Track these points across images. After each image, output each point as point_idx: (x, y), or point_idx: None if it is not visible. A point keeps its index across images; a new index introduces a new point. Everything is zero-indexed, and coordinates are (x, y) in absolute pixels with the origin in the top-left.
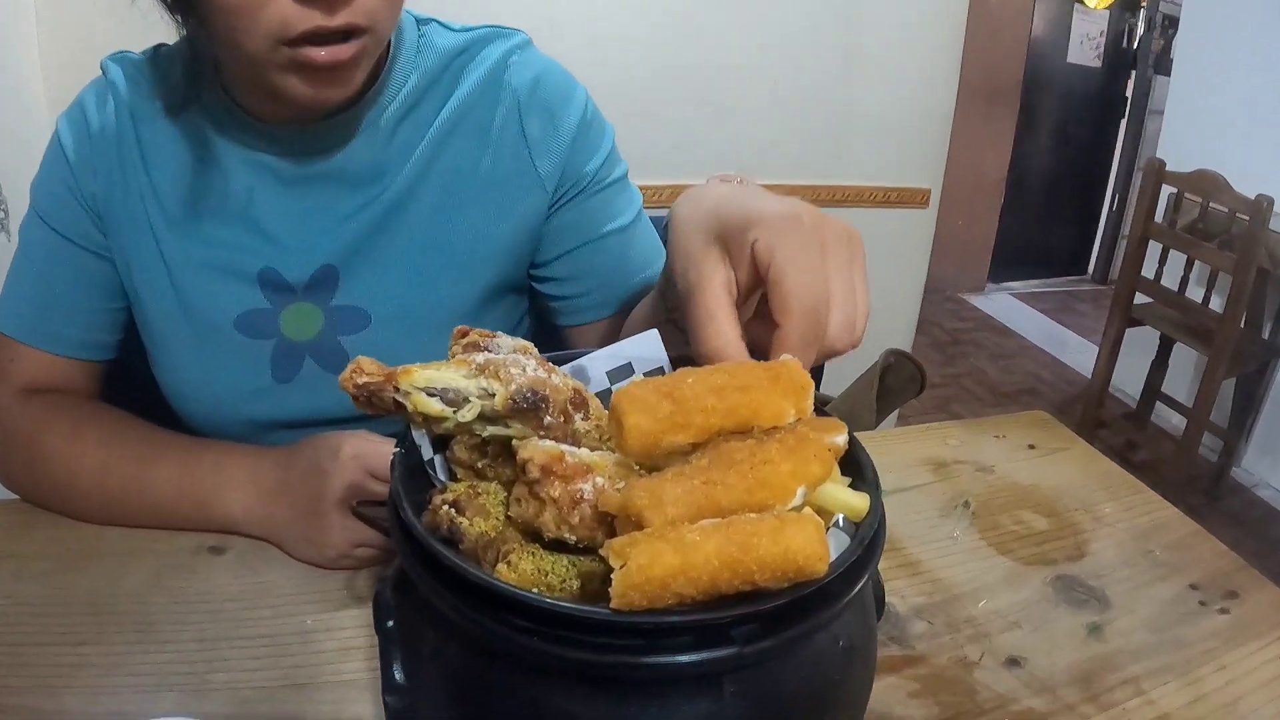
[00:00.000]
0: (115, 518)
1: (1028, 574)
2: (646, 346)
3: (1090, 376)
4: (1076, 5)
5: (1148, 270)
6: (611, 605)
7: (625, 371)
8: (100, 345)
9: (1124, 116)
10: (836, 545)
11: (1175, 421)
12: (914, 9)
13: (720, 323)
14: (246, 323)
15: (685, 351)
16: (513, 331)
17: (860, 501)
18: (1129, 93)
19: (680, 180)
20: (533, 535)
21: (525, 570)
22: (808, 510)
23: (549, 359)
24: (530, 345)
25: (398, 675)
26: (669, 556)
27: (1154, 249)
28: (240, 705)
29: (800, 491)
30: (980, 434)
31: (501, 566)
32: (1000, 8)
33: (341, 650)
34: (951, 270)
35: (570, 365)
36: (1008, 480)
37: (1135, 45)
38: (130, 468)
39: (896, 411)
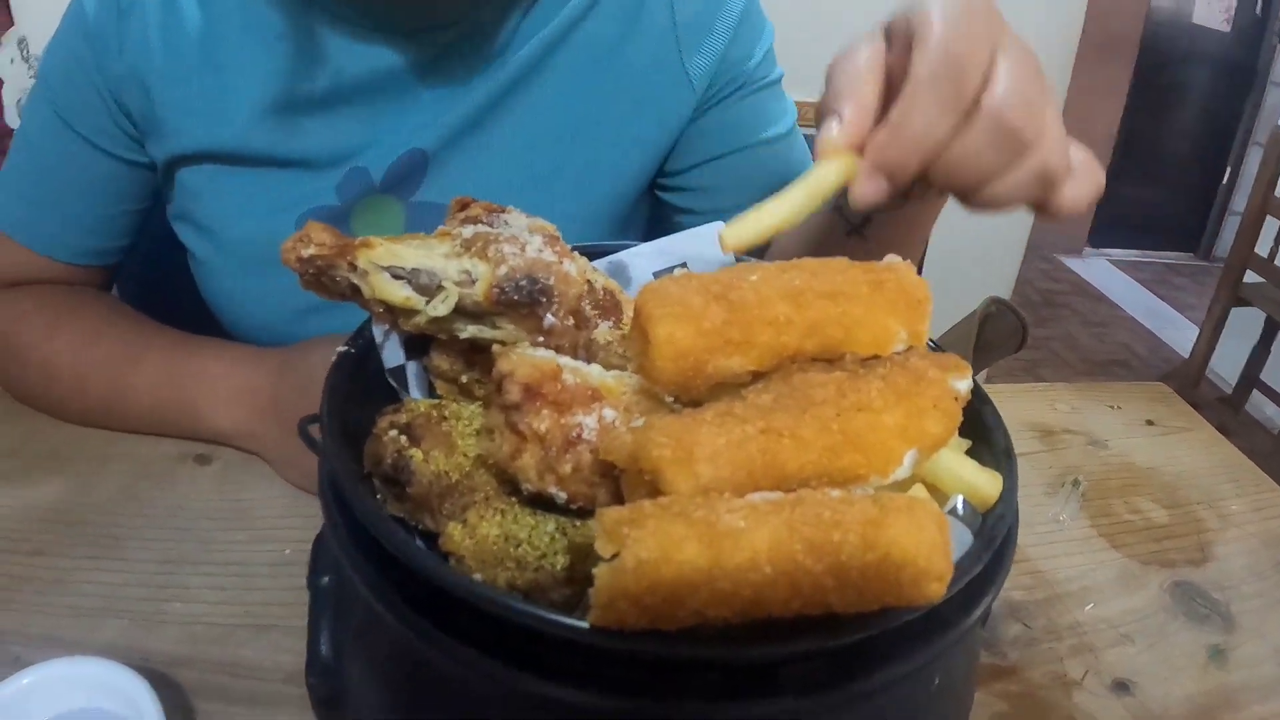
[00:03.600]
0: (95, 422)
1: (1143, 575)
2: (706, 244)
3: (1186, 355)
4: None
5: (1262, 248)
6: (591, 619)
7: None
8: (101, 251)
9: (1250, 87)
10: (956, 544)
11: (1270, 412)
12: None
13: (857, 78)
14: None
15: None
16: (615, 235)
17: (990, 484)
18: (1258, 63)
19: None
20: (509, 484)
21: (487, 535)
22: (919, 488)
23: (579, 250)
24: (551, 226)
25: (324, 649)
26: (691, 550)
27: (1270, 226)
28: (191, 644)
29: (909, 458)
30: (1093, 400)
31: (454, 527)
32: None
33: None
34: (1049, 229)
35: (607, 260)
36: (1124, 459)
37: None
38: (110, 368)
39: (986, 370)
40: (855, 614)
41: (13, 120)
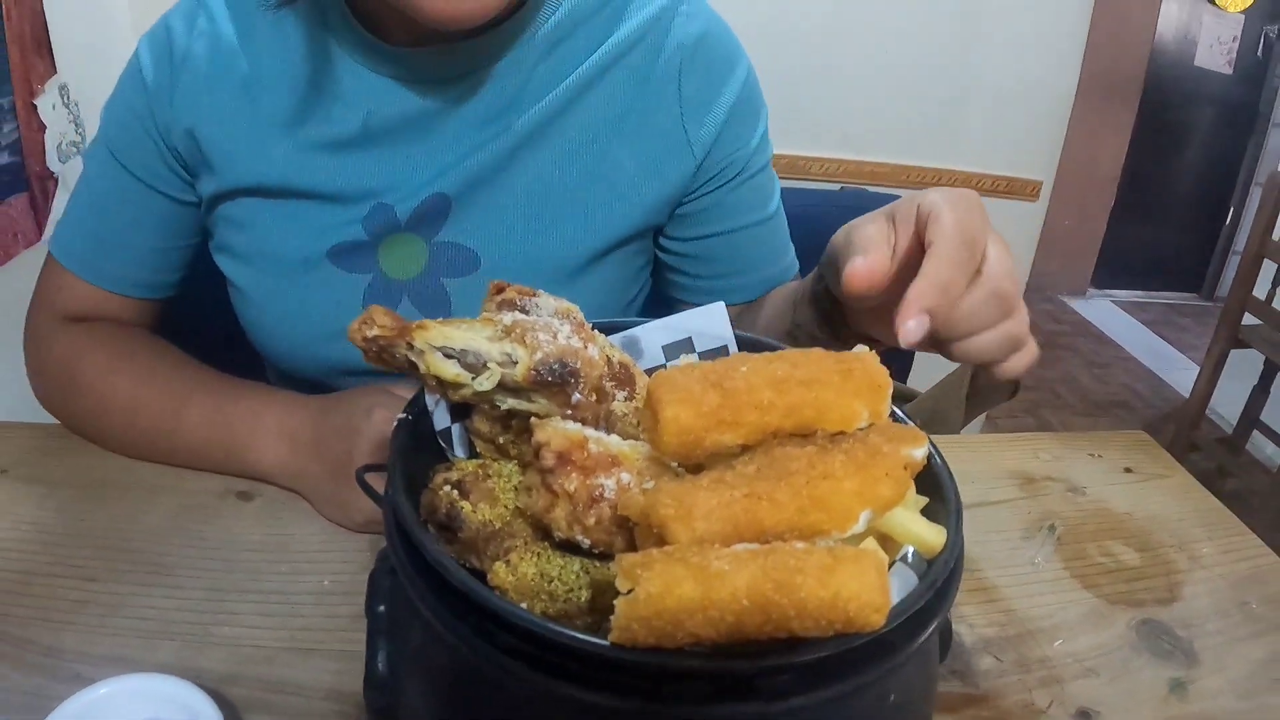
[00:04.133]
0: (145, 455)
1: (1111, 614)
2: (711, 321)
3: (1188, 396)
4: (1209, 6)
5: (1260, 290)
6: (610, 638)
7: (684, 347)
8: (156, 285)
9: (1252, 129)
10: (901, 585)
11: (1270, 452)
12: None
13: (873, 240)
14: (342, 255)
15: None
16: (632, 297)
17: (935, 536)
18: (1259, 105)
19: (775, 150)
20: (543, 532)
21: (526, 573)
22: (870, 542)
23: (598, 326)
24: (574, 308)
25: (381, 666)
26: (688, 587)
27: (1268, 268)
28: (239, 664)
29: (864, 516)
30: (1074, 449)
31: (499, 566)
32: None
33: (356, 617)
34: (1053, 269)
35: (622, 335)
36: (1100, 505)
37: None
38: (162, 406)
39: (985, 414)
40: (815, 638)
41: (54, 164)
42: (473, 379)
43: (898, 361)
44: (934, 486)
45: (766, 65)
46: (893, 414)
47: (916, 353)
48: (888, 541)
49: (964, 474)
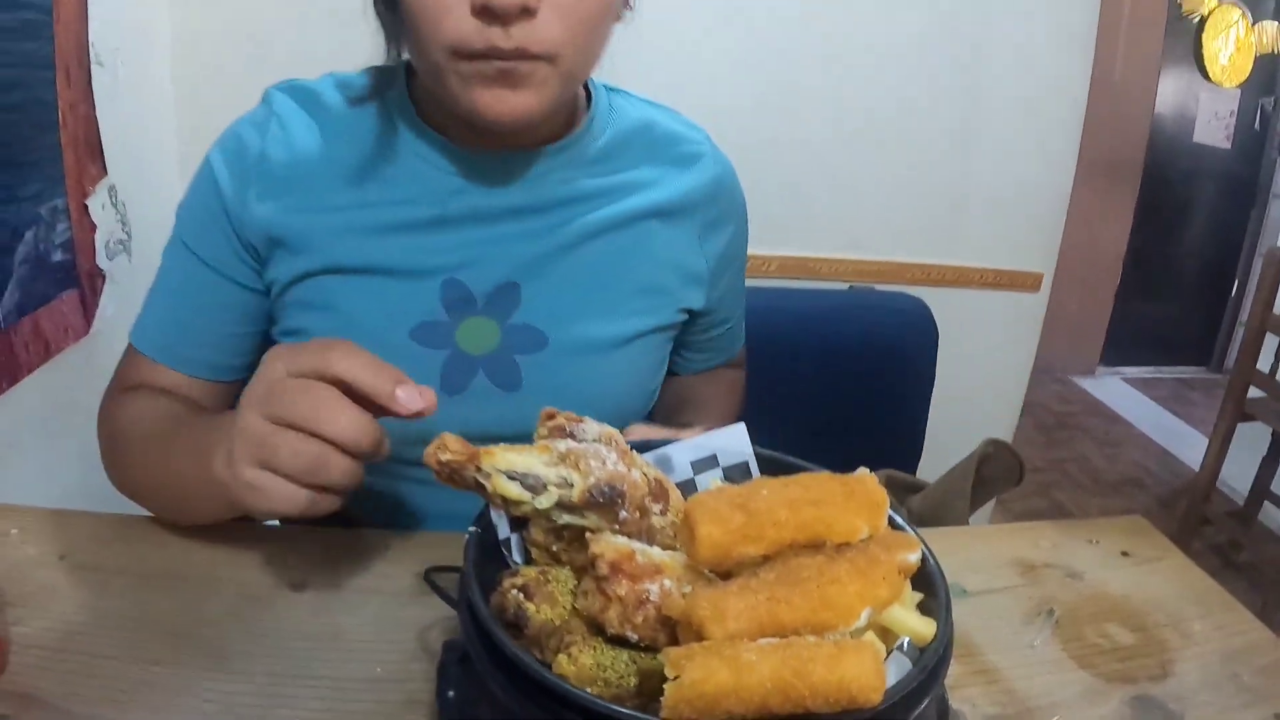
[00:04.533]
0: (168, 507)
1: (1107, 691)
2: (733, 440)
3: (1199, 470)
4: (1205, 82)
5: (1264, 363)
6: (662, 715)
7: (709, 463)
8: (229, 368)
9: (1253, 201)
10: (898, 669)
11: None
12: (1034, 82)
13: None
14: (423, 333)
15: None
16: (655, 367)
17: (926, 628)
18: (1259, 177)
19: (786, 252)
20: (596, 628)
21: (585, 664)
22: (869, 635)
23: (634, 446)
24: (615, 433)
25: None
26: (723, 674)
27: (1271, 341)
28: None
29: (865, 614)
30: (1074, 537)
31: (562, 657)
32: (1124, 81)
33: (408, 703)
34: (1061, 350)
35: (655, 454)
36: (1097, 589)
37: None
38: (159, 448)
39: (994, 498)
40: (826, 713)
41: (102, 262)
42: (533, 498)
43: (908, 453)
44: (927, 584)
45: (779, 173)
46: (892, 520)
47: (925, 445)
48: (886, 633)
49: (969, 563)
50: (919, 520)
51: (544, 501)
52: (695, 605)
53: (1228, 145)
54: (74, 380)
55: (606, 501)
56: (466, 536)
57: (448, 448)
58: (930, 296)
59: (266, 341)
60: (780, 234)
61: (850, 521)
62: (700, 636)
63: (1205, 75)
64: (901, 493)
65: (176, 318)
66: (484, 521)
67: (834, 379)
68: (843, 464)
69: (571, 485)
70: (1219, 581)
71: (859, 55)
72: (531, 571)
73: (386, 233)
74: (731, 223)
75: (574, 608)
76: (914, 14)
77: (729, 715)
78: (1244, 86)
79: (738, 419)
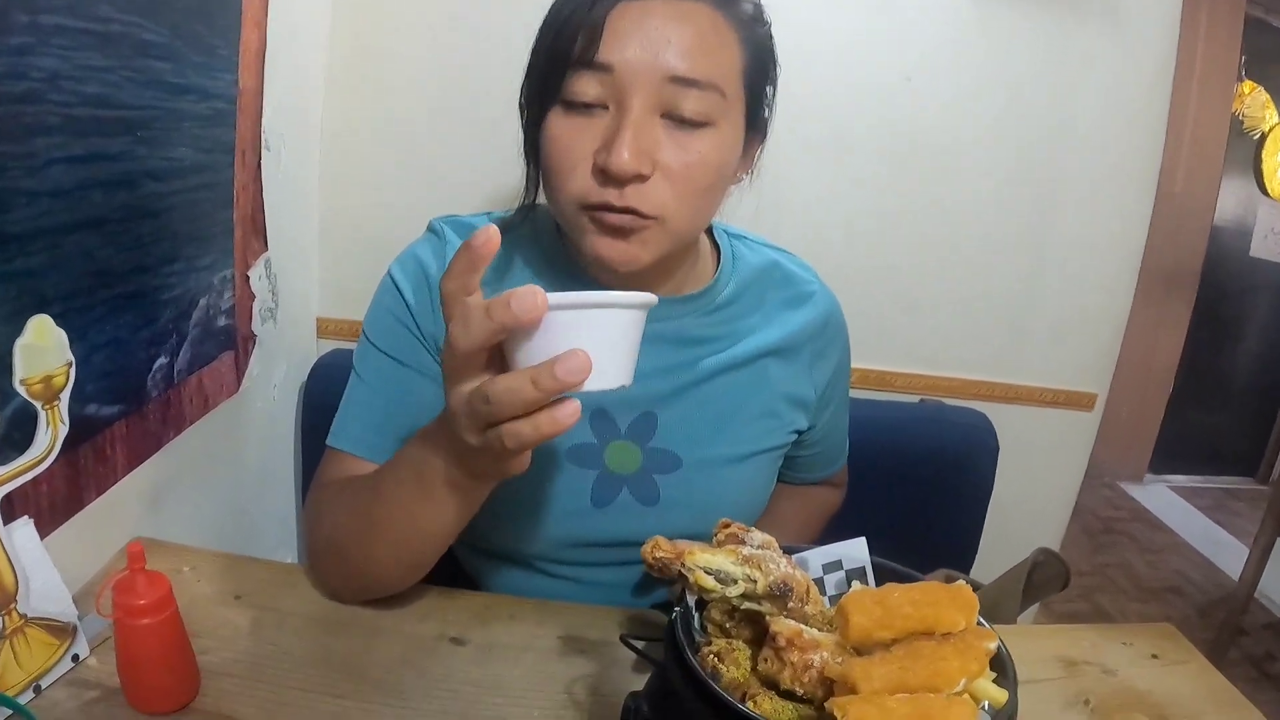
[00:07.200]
0: (391, 549)
1: None
2: (854, 549)
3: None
4: (1264, 197)
5: None
6: None
7: (835, 566)
8: None
9: None
10: None
11: None
12: (1098, 217)
13: None
14: (576, 454)
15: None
16: (767, 482)
17: (1001, 695)
18: None
19: (871, 365)
20: (771, 685)
21: (765, 709)
22: (966, 695)
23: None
24: (773, 540)
25: None
26: (874, 715)
27: None
28: None
29: (963, 682)
30: (1110, 639)
31: (749, 704)
32: (1185, 193)
33: None
34: (1112, 455)
35: (796, 556)
36: (1128, 684)
37: None
38: (369, 488)
39: (1039, 602)
40: None
41: (256, 327)
42: (724, 589)
43: (965, 553)
44: (1000, 665)
45: (863, 297)
46: (980, 621)
47: (979, 552)
48: (975, 696)
49: (1017, 657)
50: None
51: (734, 592)
52: (850, 670)
53: None
54: (223, 432)
55: (782, 594)
56: (673, 613)
57: (660, 547)
58: (992, 411)
59: None
60: (860, 349)
61: (953, 617)
62: (853, 691)
63: (1264, 191)
64: None
65: (375, 414)
66: (684, 605)
67: (903, 483)
68: (905, 559)
69: (755, 581)
70: (1252, 690)
71: (947, 194)
72: (721, 642)
73: None
74: (836, 351)
75: (754, 669)
76: (997, 152)
77: None
78: None
79: (815, 533)
